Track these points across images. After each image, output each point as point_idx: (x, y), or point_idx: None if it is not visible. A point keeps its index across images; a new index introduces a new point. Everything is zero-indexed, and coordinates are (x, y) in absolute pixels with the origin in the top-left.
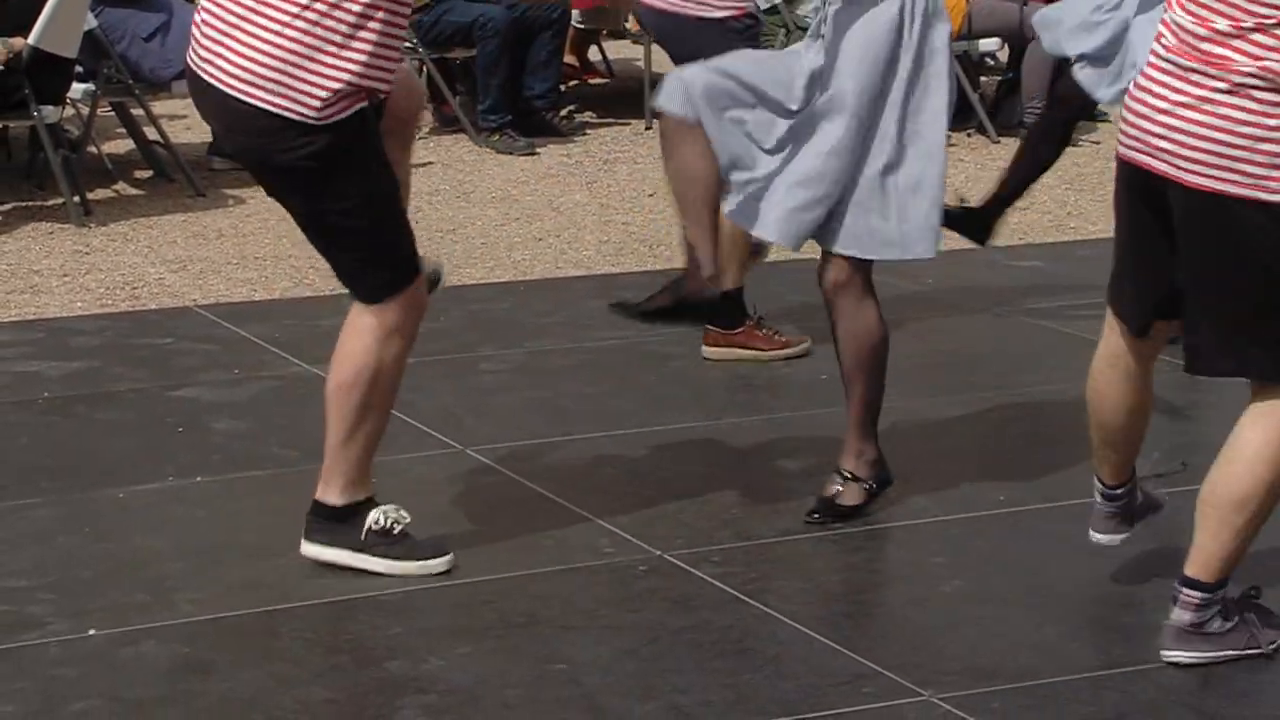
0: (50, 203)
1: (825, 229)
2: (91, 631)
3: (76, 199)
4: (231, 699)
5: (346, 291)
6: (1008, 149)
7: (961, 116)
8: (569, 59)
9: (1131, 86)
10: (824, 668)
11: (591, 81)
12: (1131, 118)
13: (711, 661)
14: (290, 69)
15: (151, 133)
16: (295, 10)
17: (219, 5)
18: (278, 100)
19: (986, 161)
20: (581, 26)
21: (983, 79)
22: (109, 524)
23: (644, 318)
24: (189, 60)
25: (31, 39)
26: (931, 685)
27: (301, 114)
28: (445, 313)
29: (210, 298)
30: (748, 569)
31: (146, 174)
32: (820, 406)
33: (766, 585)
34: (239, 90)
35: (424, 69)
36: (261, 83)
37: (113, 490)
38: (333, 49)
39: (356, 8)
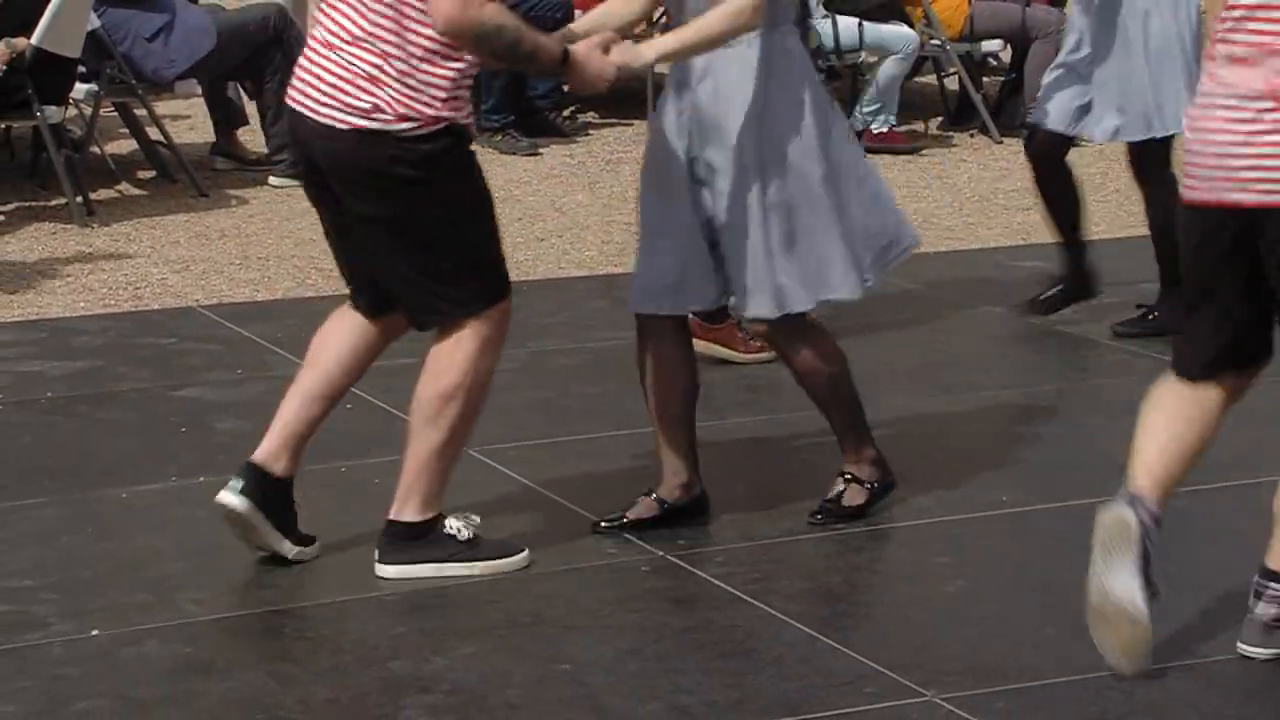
0: (53, 203)
1: (728, 286)
2: (94, 631)
3: (79, 199)
4: (233, 699)
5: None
6: (1010, 149)
7: (964, 117)
8: None
9: (1188, 132)
10: (826, 668)
11: None
12: (1200, 159)
13: (714, 662)
14: (373, 87)
15: (154, 133)
16: (369, 43)
17: (313, 39)
18: (359, 118)
19: (989, 162)
20: None
21: (985, 80)
22: (111, 524)
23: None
24: (287, 98)
25: (35, 39)
26: (934, 685)
27: (390, 126)
28: None
29: (213, 298)
30: (750, 569)
31: (149, 174)
32: None
33: (769, 585)
34: (324, 114)
35: None
36: (346, 100)
37: (115, 490)
38: (411, 75)
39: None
